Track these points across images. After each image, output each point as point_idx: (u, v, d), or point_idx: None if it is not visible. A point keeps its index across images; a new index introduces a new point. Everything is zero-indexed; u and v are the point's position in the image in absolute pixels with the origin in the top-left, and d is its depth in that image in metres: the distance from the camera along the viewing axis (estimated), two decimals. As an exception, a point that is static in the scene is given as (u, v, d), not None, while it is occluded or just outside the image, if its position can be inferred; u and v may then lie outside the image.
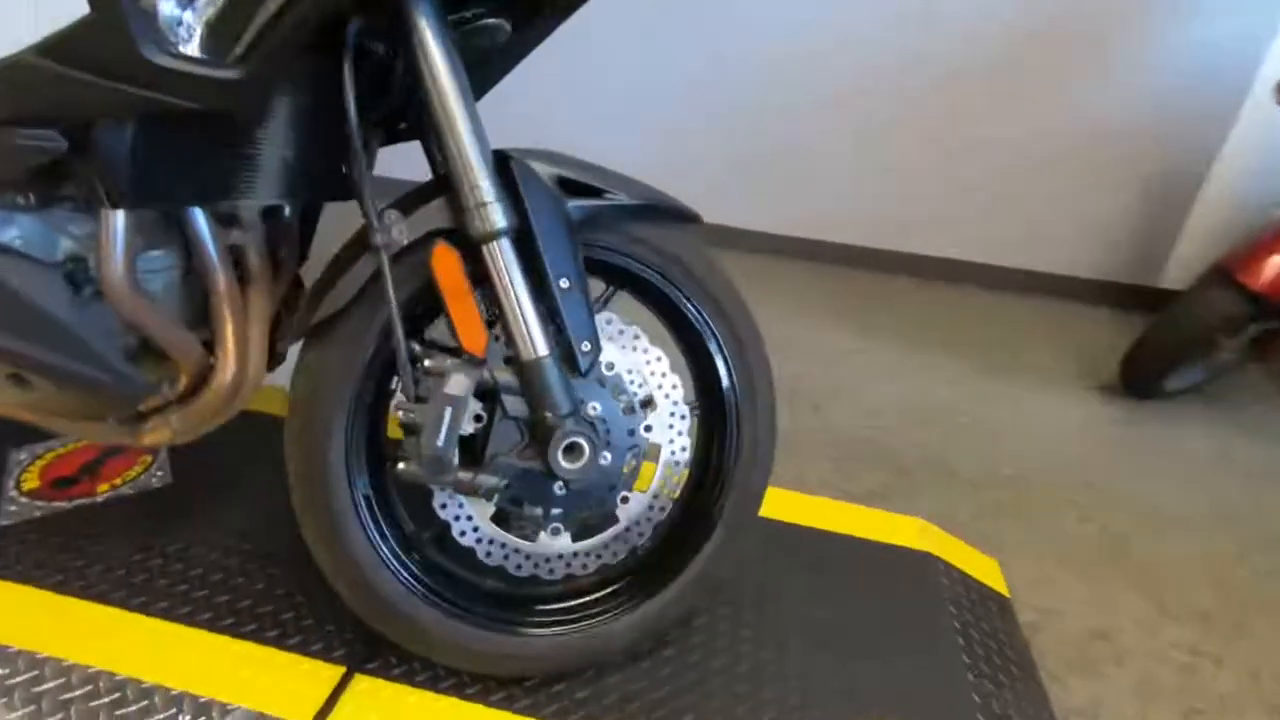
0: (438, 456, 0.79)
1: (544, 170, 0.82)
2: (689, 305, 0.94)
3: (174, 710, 0.89)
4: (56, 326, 0.82)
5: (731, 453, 0.98)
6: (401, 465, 0.81)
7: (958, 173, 2.56)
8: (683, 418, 0.95)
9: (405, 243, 0.79)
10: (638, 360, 0.92)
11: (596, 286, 0.96)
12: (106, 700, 0.89)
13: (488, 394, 0.84)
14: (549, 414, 0.82)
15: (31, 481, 1.21)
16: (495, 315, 0.82)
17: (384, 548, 0.87)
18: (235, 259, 0.93)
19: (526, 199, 0.80)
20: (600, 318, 0.90)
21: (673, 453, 0.95)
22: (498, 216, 0.78)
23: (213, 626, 1.00)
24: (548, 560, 0.92)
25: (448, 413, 0.80)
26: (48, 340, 0.83)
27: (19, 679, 0.91)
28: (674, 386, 0.94)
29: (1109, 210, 2.49)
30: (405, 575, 0.88)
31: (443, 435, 0.79)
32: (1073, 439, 1.80)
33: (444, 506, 0.87)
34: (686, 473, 0.99)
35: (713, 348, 0.96)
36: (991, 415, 1.87)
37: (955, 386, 2.00)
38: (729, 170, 2.74)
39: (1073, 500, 1.57)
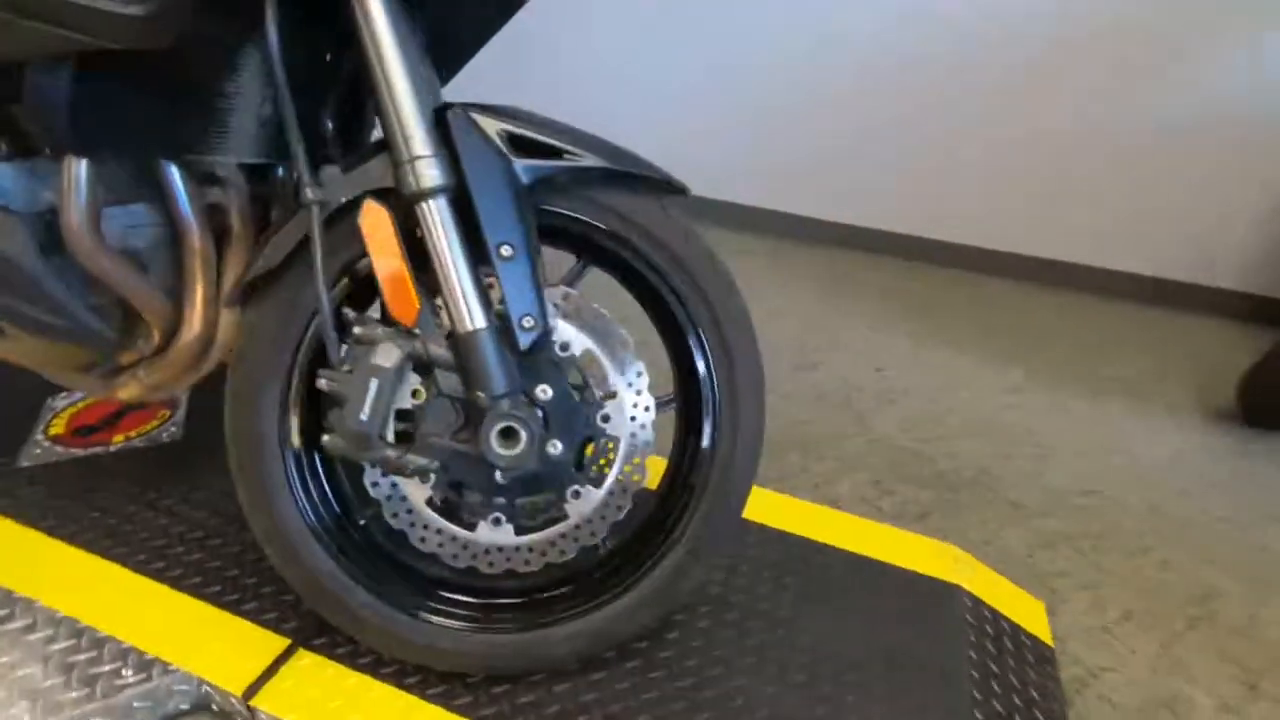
0: (359, 431, 0.74)
1: (490, 125, 0.75)
2: (660, 284, 0.84)
3: (119, 664, 0.89)
4: (24, 276, 0.83)
5: (704, 455, 0.87)
6: (326, 437, 0.76)
7: (1066, 168, 2.29)
8: (647, 409, 0.85)
9: (341, 200, 0.74)
10: (595, 343, 0.83)
11: (566, 260, 0.88)
12: (62, 646, 0.91)
13: (428, 368, 0.78)
14: (482, 393, 0.75)
15: (58, 427, 1.27)
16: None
17: (314, 519, 0.83)
18: (217, 218, 0.92)
19: (462, 154, 0.72)
20: (556, 292, 0.82)
21: (634, 449, 0.85)
22: (431, 172, 0.71)
23: (178, 584, 1.00)
24: (487, 552, 0.85)
25: (372, 385, 0.74)
26: (16, 289, 0.84)
27: (-8, 615, 0.94)
28: (638, 374, 0.84)
29: (1233, 210, 2.14)
30: (337, 551, 0.83)
31: (366, 409, 0.74)
32: (1165, 470, 1.55)
33: (375, 485, 0.82)
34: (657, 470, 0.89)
35: (688, 334, 0.85)
36: (1069, 435, 1.64)
37: (1029, 399, 1.77)
38: (820, 159, 2.58)
39: (1155, 541, 1.34)
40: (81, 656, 0.90)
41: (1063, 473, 1.51)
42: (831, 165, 2.56)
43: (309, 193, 0.73)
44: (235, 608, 0.97)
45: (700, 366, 0.87)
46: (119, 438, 1.26)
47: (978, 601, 1.10)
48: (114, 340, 0.89)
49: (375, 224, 0.72)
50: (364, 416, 0.74)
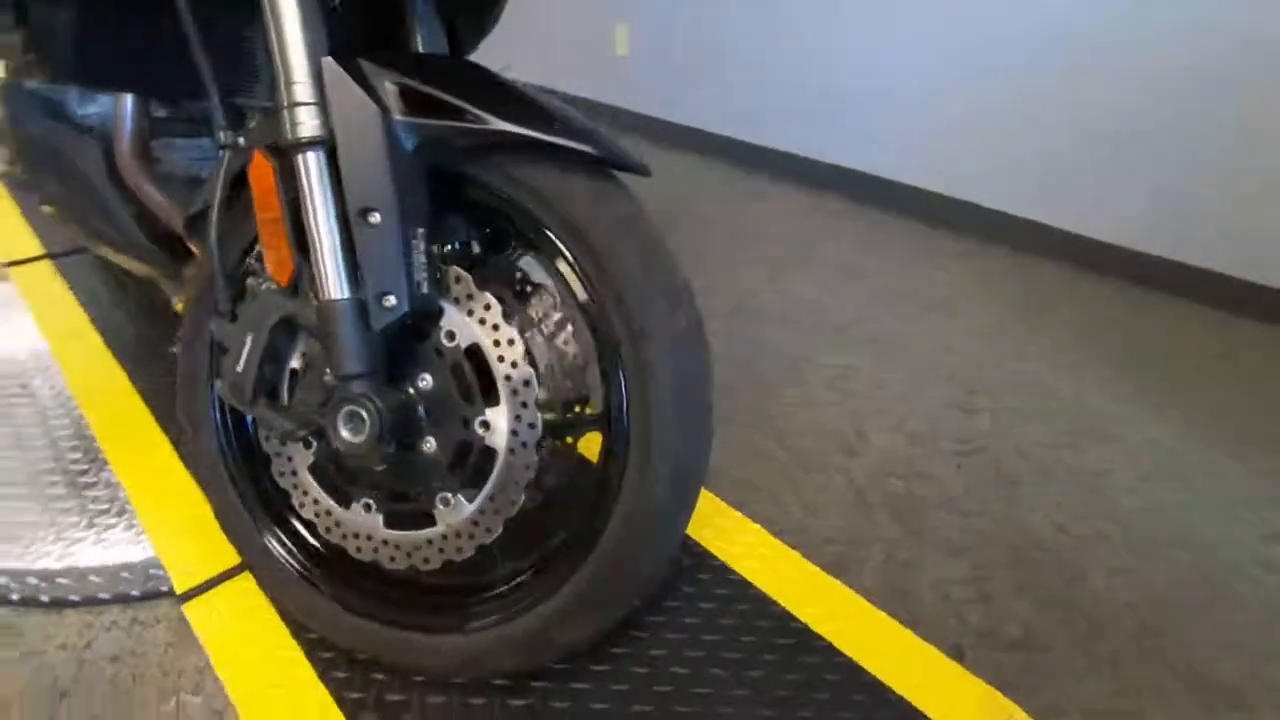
0: (234, 383, 0.73)
1: (381, 76, 0.66)
2: (577, 277, 0.70)
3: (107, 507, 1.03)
4: (98, 195, 0.97)
5: (609, 495, 0.72)
6: (217, 382, 0.77)
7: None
8: (532, 426, 0.71)
9: (241, 147, 0.72)
10: (482, 337, 0.71)
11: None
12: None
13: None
14: (331, 370, 0.69)
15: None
16: None
17: (228, 454, 0.85)
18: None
19: (331, 105, 0.65)
20: (450, 274, 0.71)
21: (511, 467, 0.73)
22: (307, 122, 0.66)
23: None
24: (356, 536, 0.80)
25: (249, 339, 0.73)
26: (93, 207, 0.98)
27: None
28: (525, 384, 0.71)
29: None
30: (243, 488, 0.85)
31: (241, 361, 0.73)
32: None
33: (266, 439, 0.81)
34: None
35: (605, 351, 0.70)
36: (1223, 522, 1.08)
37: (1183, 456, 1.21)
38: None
39: None
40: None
41: (1205, 579, 1.00)
42: (1083, 172, 1.99)
43: (220, 136, 0.72)
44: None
45: (615, 386, 0.71)
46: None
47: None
48: (164, 259, 1.01)
49: (258, 176, 0.69)
50: (239, 369, 0.73)
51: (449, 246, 0.74)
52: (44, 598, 0.99)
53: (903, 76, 2.30)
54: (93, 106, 0.95)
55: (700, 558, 1.05)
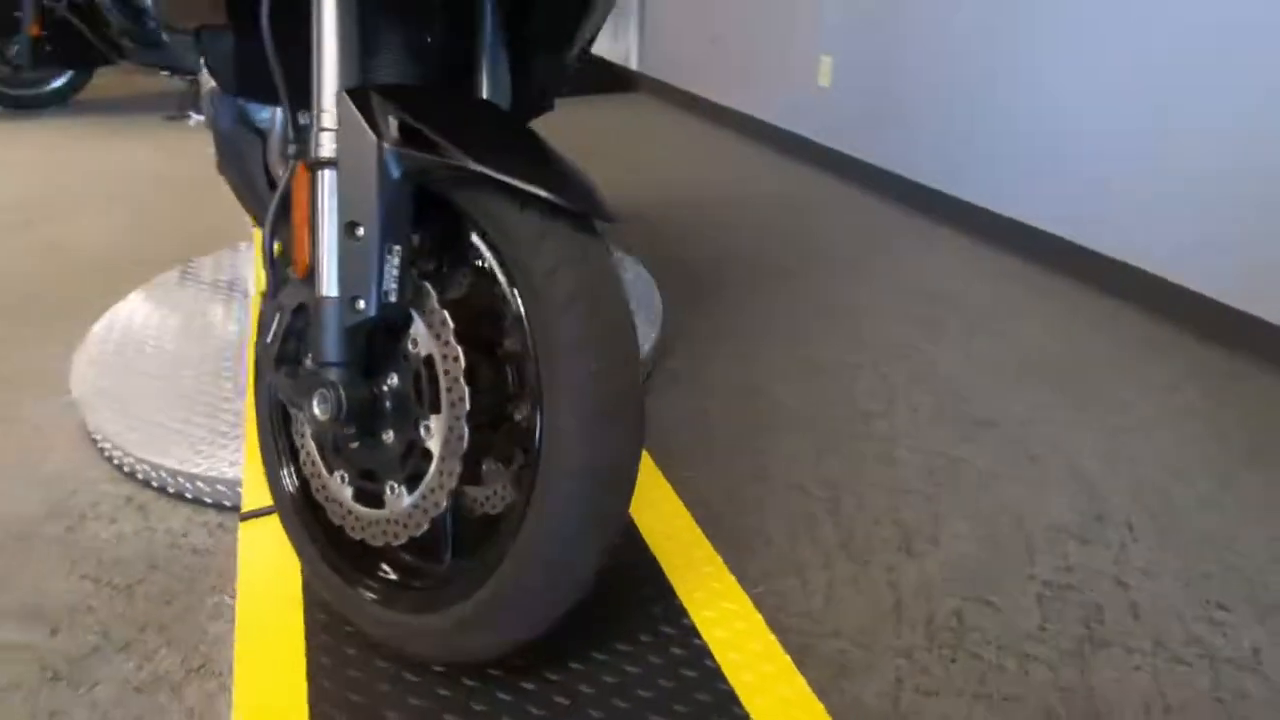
0: (263, 350, 0.88)
1: (387, 110, 0.75)
2: (507, 314, 0.73)
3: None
4: (254, 183, 1.21)
5: (514, 517, 0.75)
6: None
7: None
8: (461, 439, 0.76)
9: (293, 158, 0.85)
10: (435, 350, 0.77)
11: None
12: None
13: None
14: (311, 355, 0.80)
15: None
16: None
17: (274, 417, 1.01)
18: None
19: (339, 132, 0.76)
20: (423, 288, 0.79)
21: (443, 473, 0.78)
22: (323, 145, 0.77)
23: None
24: (330, 500, 0.90)
25: (277, 316, 0.87)
26: (252, 193, 1.22)
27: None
28: (459, 399, 0.76)
29: None
30: (280, 449, 1.00)
31: (270, 333, 0.87)
32: None
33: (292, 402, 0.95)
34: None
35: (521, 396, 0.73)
36: None
37: None
38: None
39: None
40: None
41: None
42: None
43: (289, 147, 0.87)
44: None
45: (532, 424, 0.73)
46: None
47: None
48: None
49: (298, 185, 0.83)
50: (268, 340, 0.87)
51: (440, 266, 0.82)
52: (169, 489, 1.26)
53: (1123, 133, 1.97)
54: (264, 112, 1.19)
55: (673, 611, 1.02)
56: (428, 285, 0.79)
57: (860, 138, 2.84)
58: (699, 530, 1.16)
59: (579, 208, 0.71)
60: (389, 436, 0.82)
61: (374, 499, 0.85)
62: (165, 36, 2.30)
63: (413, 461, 0.81)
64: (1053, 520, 1.27)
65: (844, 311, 1.99)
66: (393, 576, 0.90)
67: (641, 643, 0.96)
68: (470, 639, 0.80)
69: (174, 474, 1.24)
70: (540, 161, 0.74)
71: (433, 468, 0.79)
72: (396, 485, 0.83)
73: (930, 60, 2.49)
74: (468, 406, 0.75)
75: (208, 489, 1.23)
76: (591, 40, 1.13)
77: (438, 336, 0.78)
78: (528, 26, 0.96)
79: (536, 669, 0.92)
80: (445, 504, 0.78)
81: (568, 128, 3.63)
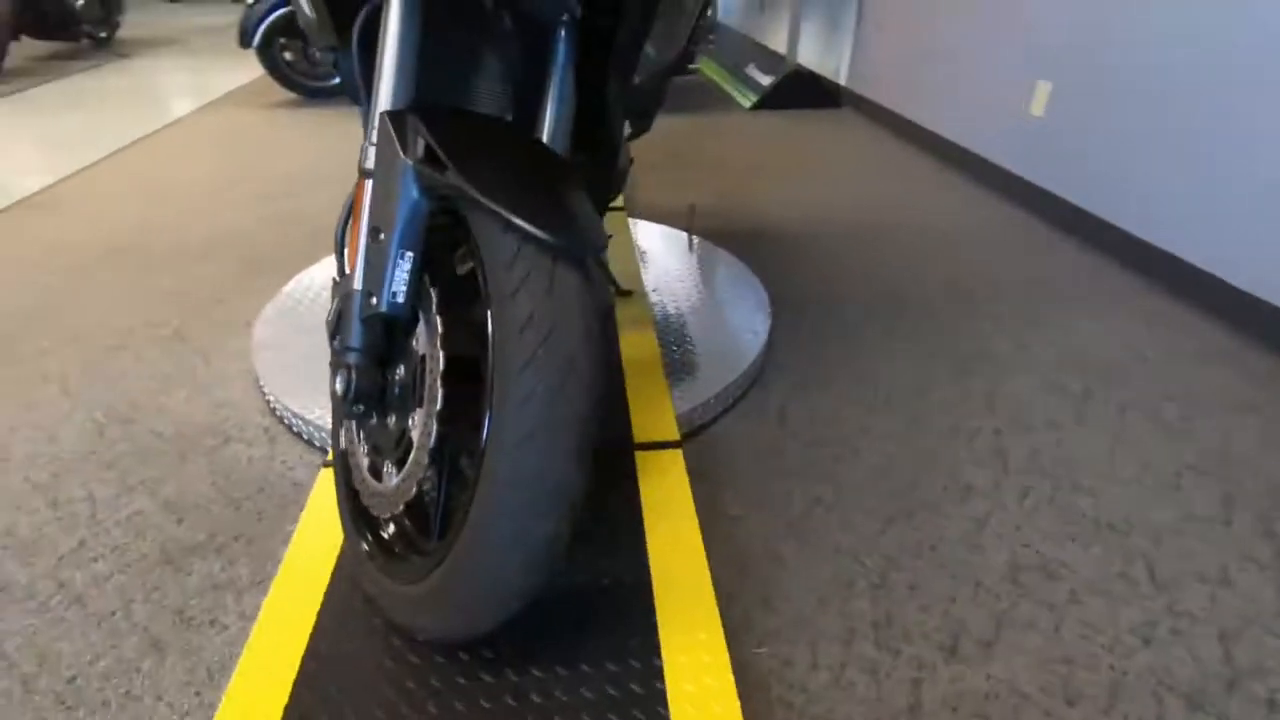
0: (327, 323, 1.02)
1: (415, 131, 0.83)
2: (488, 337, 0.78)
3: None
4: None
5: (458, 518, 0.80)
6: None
7: None
8: (428, 435, 0.83)
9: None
10: (427, 350, 0.84)
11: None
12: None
13: None
14: (339, 339, 0.91)
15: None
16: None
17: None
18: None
19: (375, 146, 0.85)
20: (430, 293, 0.87)
21: (416, 465, 0.85)
22: (368, 158, 0.88)
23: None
24: (353, 466, 1.01)
25: (336, 300, 1.00)
26: None
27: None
28: (433, 399, 0.82)
29: None
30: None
31: (330, 313, 1.01)
32: None
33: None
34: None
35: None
36: None
37: None
38: None
39: None
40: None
41: None
42: None
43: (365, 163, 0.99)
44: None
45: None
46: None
47: None
48: None
49: (358, 192, 0.94)
50: (329, 317, 1.01)
51: (451, 275, 0.89)
52: (293, 428, 1.49)
53: None
54: None
55: (647, 647, 1.00)
56: (432, 290, 0.86)
57: (1067, 175, 2.48)
58: (708, 573, 1.12)
59: (553, 240, 0.73)
60: (390, 421, 0.91)
61: (377, 473, 0.95)
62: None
63: (402, 447, 0.89)
64: (1152, 666, 1.05)
65: (983, 366, 1.77)
66: (392, 543, 0.99)
67: (605, 669, 0.97)
68: (427, 619, 0.87)
69: (296, 415, 1.46)
70: (535, 191, 0.77)
71: (411, 456, 0.87)
72: (390, 465, 0.92)
73: (1162, 96, 2.11)
74: (438, 406, 0.82)
75: (316, 433, 1.44)
76: (677, 68, 1.13)
77: (430, 338, 0.85)
78: (599, 58, 0.99)
79: (501, 664, 0.97)
80: (413, 491, 0.86)
81: (758, 141, 3.63)
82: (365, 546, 0.99)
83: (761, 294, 1.94)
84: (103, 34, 4.97)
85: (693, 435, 1.50)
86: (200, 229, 2.59)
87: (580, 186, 0.84)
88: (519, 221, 0.73)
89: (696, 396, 1.51)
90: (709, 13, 1.42)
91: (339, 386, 0.91)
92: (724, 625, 1.07)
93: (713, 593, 1.08)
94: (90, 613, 1.13)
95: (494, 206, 0.74)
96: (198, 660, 1.05)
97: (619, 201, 2.54)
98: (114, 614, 1.12)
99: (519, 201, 0.75)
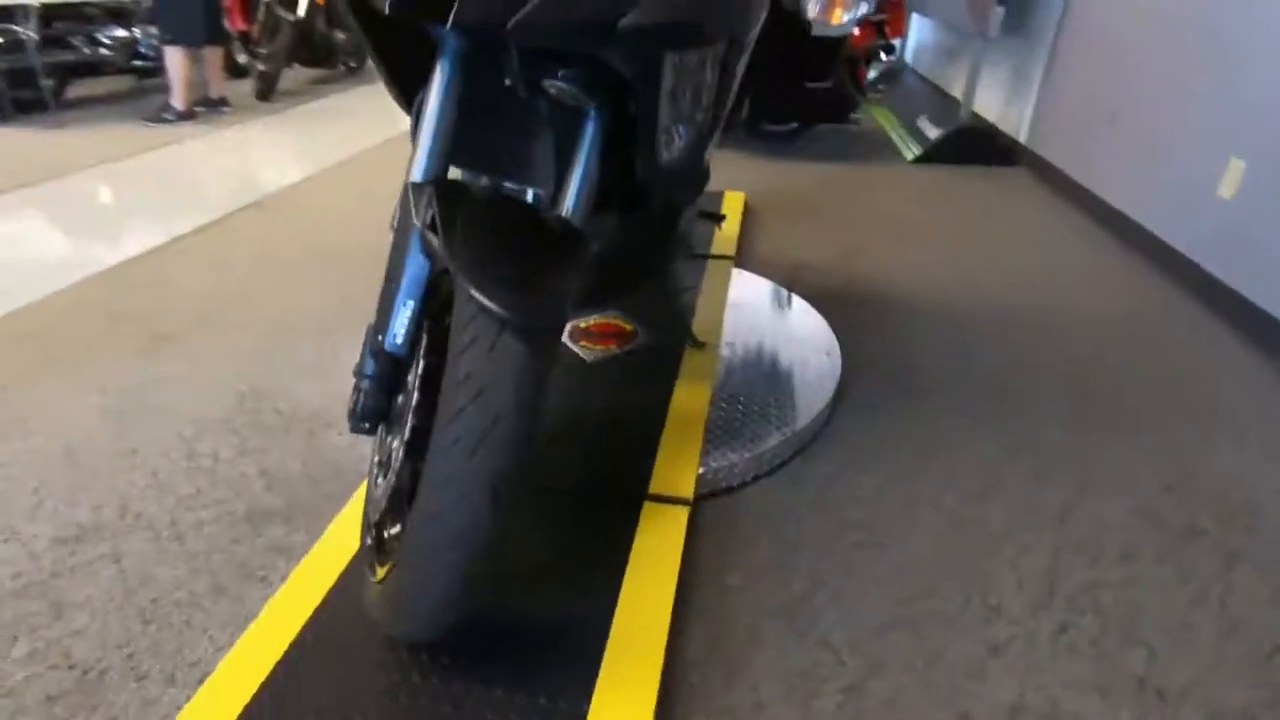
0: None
1: (426, 200, 0.95)
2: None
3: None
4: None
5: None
6: None
7: None
8: (395, 458, 0.96)
9: None
10: (411, 390, 0.98)
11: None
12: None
13: None
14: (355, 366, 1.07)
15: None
16: None
17: None
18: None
19: (399, 209, 1.00)
20: (423, 339, 1.00)
21: (389, 481, 0.99)
22: (393, 216, 1.04)
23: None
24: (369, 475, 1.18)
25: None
26: None
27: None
28: (404, 431, 0.95)
29: None
30: None
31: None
32: None
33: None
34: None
35: None
36: None
37: None
38: None
39: None
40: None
41: None
42: None
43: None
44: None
45: None
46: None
47: None
48: None
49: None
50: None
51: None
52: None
53: None
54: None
55: (578, 697, 1.05)
56: (425, 336, 1.00)
57: (1256, 273, 2.12)
58: (664, 637, 1.14)
59: (499, 311, 0.82)
60: (389, 441, 1.06)
61: (374, 482, 1.11)
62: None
63: (388, 465, 1.03)
64: None
65: (1070, 475, 1.59)
66: (375, 544, 1.14)
67: (537, 703, 1.03)
68: (385, 616, 0.99)
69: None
70: (502, 266, 0.87)
71: (389, 475, 1.01)
72: (381, 478, 1.07)
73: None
74: (406, 437, 0.95)
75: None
76: (703, 147, 1.18)
77: (412, 379, 0.98)
78: (626, 140, 1.06)
79: (454, 673, 1.07)
80: (384, 504, 0.99)
81: (910, 197, 3.47)
82: (367, 541, 1.15)
83: (837, 362, 1.89)
84: (353, 63, 5.90)
85: (716, 495, 1.51)
86: (376, 237, 3.02)
87: (569, 261, 0.93)
88: (474, 292, 0.84)
89: (727, 457, 1.52)
90: (744, 102, 1.48)
91: (349, 405, 1.07)
92: (673, 693, 1.10)
93: (661, 657, 1.11)
94: (185, 549, 1.40)
95: (460, 275, 0.85)
96: (241, 608, 1.27)
97: (729, 250, 2.58)
98: (199, 555, 1.39)
99: (482, 275, 0.85)
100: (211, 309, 2.35)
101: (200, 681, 1.09)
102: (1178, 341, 2.18)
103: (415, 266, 0.98)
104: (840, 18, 1.48)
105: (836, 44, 2.90)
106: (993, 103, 4.17)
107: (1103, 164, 3.08)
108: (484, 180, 1.28)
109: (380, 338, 1.02)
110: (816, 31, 2.29)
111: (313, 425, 1.76)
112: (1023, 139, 3.80)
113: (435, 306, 1.01)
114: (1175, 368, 2.04)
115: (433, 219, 0.93)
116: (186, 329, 2.22)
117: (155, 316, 2.29)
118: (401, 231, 1.01)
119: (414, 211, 0.96)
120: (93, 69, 5.16)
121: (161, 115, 4.64)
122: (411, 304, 1.00)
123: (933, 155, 3.86)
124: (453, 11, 0.80)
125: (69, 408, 1.82)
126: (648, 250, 1.47)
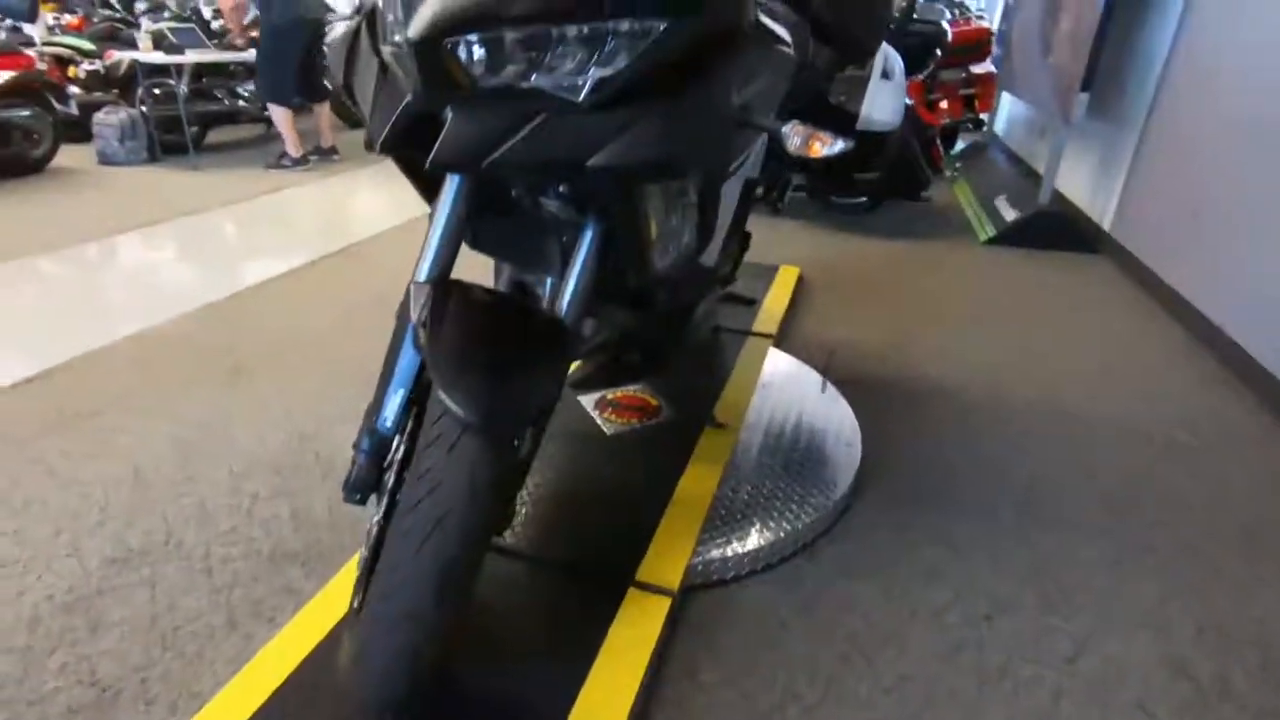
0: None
1: (424, 301, 1.04)
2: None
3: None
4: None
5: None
6: None
7: None
8: (372, 533, 1.04)
9: None
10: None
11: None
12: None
13: None
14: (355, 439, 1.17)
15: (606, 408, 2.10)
16: None
17: None
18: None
19: (402, 304, 1.10)
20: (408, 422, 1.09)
21: (365, 554, 1.07)
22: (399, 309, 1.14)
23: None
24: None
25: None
26: None
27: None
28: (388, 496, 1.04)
29: None
30: None
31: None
32: None
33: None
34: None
35: None
36: None
37: None
38: None
39: None
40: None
41: None
42: None
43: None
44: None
45: None
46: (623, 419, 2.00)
47: None
48: None
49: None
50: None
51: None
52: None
53: None
54: None
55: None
56: (411, 423, 1.08)
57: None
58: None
59: (463, 415, 0.90)
60: (376, 512, 1.14)
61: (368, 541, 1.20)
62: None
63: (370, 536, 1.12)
64: None
65: (1090, 609, 1.50)
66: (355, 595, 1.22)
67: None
68: (346, 680, 1.07)
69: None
70: (474, 370, 0.94)
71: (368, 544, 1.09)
72: (366, 545, 1.15)
73: None
74: (381, 514, 1.03)
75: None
76: (694, 262, 1.24)
77: (393, 459, 1.07)
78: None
79: None
80: (359, 573, 1.07)
81: (976, 282, 3.37)
82: (354, 604, 1.23)
83: (856, 455, 1.86)
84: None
85: (706, 587, 1.52)
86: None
87: (548, 362, 1.00)
88: (441, 395, 0.91)
89: (722, 549, 1.53)
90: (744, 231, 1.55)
91: (346, 475, 1.17)
92: (618, 788, 1.11)
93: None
94: (211, 582, 1.53)
95: (434, 375, 0.93)
96: (246, 646, 1.38)
97: (770, 328, 2.59)
98: (222, 590, 1.51)
99: (453, 378, 0.93)
100: (284, 348, 2.57)
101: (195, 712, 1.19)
102: (1241, 461, 2.02)
103: (407, 359, 1.08)
104: (819, 151, 1.52)
105: (882, 138, 2.91)
106: (1080, 185, 4.02)
107: (1186, 259, 2.91)
108: (505, 268, 1.38)
109: (373, 418, 1.12)
110: (860, 126, 2.32)
111: (345, 471, 1.89)
112: (1106, 226, 3.63)
113: (422, 395, 1.10)
114: (1233, 491, 1.89)
115: (423, 316, 1.02)
116: (258, 366, 2.43)
117: (234, 352, 2.52)
118: (400, 324, 1.10)
119: (412, 308, 1.06)
120: (230, 118, 5.83)
121: (280, 162, 5.16)
122: (402, 392, 1.09)
123: (1006, 237, 3.74)
124: (432, 152, 0.90)
125: (148, 433, 2.03)
126: (662, 337, 1.53)
